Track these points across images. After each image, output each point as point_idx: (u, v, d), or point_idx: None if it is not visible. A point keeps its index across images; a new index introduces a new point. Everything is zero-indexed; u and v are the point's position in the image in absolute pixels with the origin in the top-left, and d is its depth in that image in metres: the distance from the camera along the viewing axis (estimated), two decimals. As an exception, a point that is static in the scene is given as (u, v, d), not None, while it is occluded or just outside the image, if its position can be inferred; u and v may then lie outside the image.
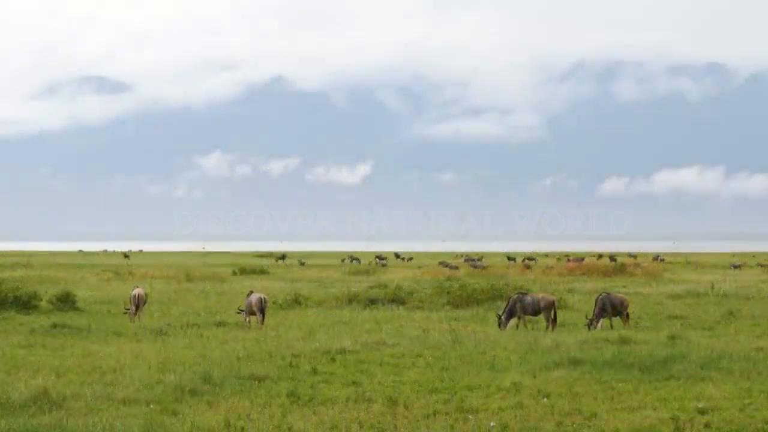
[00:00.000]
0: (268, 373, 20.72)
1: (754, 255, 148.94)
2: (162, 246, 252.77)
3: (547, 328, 30.72)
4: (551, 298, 32.05)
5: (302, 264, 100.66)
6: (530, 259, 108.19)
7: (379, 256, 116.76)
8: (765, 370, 20.67)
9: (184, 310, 39.03)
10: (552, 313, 31.04)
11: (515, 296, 31.81)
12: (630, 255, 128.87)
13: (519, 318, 31.41)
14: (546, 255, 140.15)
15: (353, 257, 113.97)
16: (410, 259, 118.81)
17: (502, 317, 31.23)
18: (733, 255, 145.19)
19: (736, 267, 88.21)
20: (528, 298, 31.54)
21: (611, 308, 31.38)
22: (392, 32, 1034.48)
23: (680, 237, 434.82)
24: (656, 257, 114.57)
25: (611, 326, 31.01)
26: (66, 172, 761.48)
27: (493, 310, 36.83)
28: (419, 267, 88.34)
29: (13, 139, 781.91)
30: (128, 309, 35.37)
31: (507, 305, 31.62)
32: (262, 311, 32.74)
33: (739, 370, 20.53)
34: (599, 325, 30.72)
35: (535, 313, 31.32)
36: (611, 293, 32.89)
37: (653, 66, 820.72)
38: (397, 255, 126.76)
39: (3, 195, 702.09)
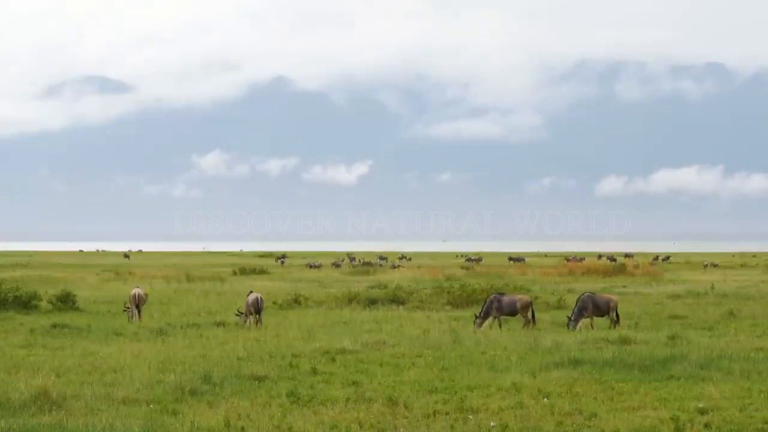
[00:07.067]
0: (268, 373, 20.69)
1: (754, 255, 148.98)
2: (162, 246, 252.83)
3: (524, 326, 30.80)
4: (527, 298, 32.31)
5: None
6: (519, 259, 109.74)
7: (380, 257, 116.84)
8: (765, 370, 20.64)
9: (184, 310, 39.05)
10: (529, 313, 31.14)
11: (492, 297, 31.77)
12: (627, 255, 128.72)
13: (494, 318, 31.39)
14: (545, 255, 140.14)
15: (352, 257, 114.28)
16: (409, 259, 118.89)
17: (479, 317, 31.24)
18: (733, 255, 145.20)
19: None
20: (505, 299, 31.53)
21: (594, 308, 31.09)
22: (392, 32, 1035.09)
23: (679, 237, 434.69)
24: (656, 258, 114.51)
25: (593, 326, 30.89)
26: (66, 172, 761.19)
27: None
28: (419, 267, 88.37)
29: (13, 139, 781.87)
30: (128, 308, 35.40)
31: (483, 305, 31.61)
32: (259, 311, 32.82)
33: (739, 370, 20.49)
34: (579, 325, 30.56)
35: (512, 313, 31.35)
36: (596, 293, 32.74)
37: (654, 66, 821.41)
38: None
39: (3, 195, 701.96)
